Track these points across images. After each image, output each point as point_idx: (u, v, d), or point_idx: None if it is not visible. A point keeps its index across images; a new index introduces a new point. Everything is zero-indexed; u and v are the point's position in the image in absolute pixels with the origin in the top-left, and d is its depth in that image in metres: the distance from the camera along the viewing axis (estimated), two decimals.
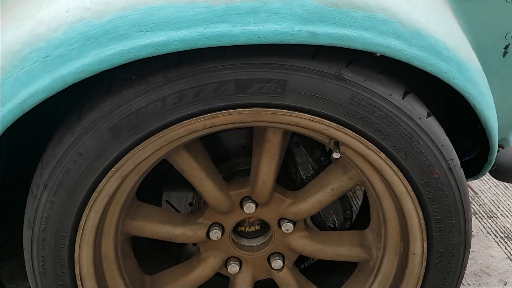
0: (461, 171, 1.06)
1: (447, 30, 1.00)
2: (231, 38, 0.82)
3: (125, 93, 0.89)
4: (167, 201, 1.34)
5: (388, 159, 1.00)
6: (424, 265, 1.12)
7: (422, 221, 1.06)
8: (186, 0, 0.80)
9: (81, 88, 0.93)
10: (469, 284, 1.69)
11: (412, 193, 1.03)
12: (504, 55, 1.23)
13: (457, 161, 1.04)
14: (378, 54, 0.95)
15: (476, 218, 2.05)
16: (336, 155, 1.03)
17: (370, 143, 0.99)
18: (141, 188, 1.15)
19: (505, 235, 1.94)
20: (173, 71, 0.88)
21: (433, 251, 1.09)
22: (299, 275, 1.30)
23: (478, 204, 2.14)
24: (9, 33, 0.86)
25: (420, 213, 1.05)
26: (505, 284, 1.68)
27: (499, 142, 1.42)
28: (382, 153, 1.00)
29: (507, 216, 2.06)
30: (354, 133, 0.97)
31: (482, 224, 2.01)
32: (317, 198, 1.17)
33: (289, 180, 1.28)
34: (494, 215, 2.08)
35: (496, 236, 1.94)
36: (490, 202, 2.17)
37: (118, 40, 0.81)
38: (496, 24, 1.17)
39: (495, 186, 2.27)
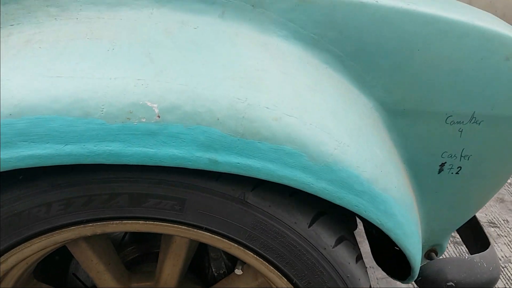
0: None
1: (367, 158, 0.97)
2: (123, 158, 0.77)
3: (9, 193, 0.84)
4: (73, 274, 1.27)
5: (290, 285, 0.96)
6: None
7: None
8: (80, 114, 0.75)
9: None
10: None
11: None
12: (439, 172, 1.21)
13: None
14: None
15: None
16: (238, 272, 0.99)
17: (272, 267, 0.94)
18: (46, 259, 1.09)
19: None
20: (61, 178, 0.83)
21: None
22: None
23: None
24: None
25: None
26: None
27: (433, 247, 1.40)
28: (283, 278, 0.95)
29: None
30: (255, 256, 0.93)
31: None
32: None
33: (201, 274, 1.22)
34: None
35: None
36: None
37: None
38: (433, 142, 1.15)
39: None
